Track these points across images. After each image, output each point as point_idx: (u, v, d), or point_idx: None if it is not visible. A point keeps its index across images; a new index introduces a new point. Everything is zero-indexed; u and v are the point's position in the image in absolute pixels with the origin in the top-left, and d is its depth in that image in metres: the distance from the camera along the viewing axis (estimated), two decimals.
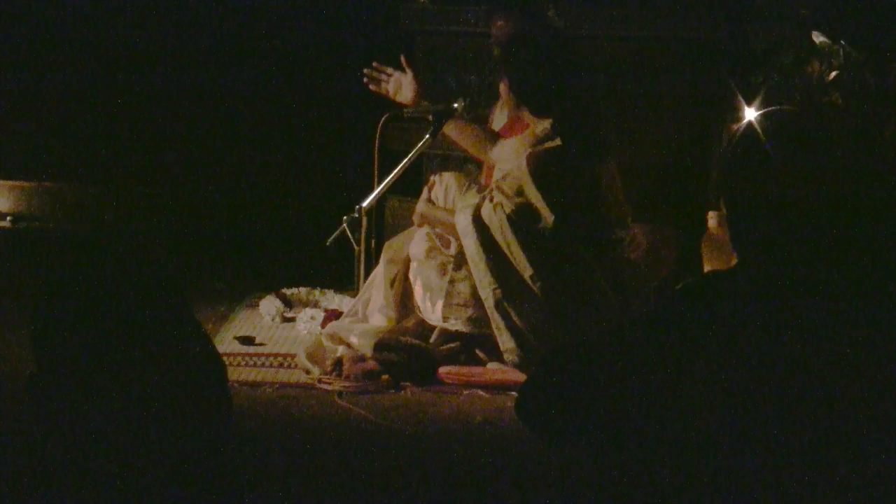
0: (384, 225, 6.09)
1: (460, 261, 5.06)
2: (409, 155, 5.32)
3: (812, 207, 1.90)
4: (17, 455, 1.68)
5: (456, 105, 5.32)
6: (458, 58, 6.38)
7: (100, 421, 1.60)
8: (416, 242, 5.21)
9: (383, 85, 5.42)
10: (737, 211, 1.98)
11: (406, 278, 5.21)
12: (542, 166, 4.96)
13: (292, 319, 5.71)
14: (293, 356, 5.19)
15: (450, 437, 4.44)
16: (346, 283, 5.67)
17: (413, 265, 5.20)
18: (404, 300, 5.21)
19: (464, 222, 5.00)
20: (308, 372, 5.02)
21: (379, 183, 5.31)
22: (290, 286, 5.98)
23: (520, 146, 5.08)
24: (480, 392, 4.88)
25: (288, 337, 5.53)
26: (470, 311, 5.05)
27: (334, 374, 4.95)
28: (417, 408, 4.74)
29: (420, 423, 4.59)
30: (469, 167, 5.79)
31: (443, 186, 5.30)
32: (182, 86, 7.56)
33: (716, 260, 5.42)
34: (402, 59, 5.43)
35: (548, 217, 4.93)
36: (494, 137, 5.31)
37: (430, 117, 5.32)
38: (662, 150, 6.12)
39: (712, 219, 5.62)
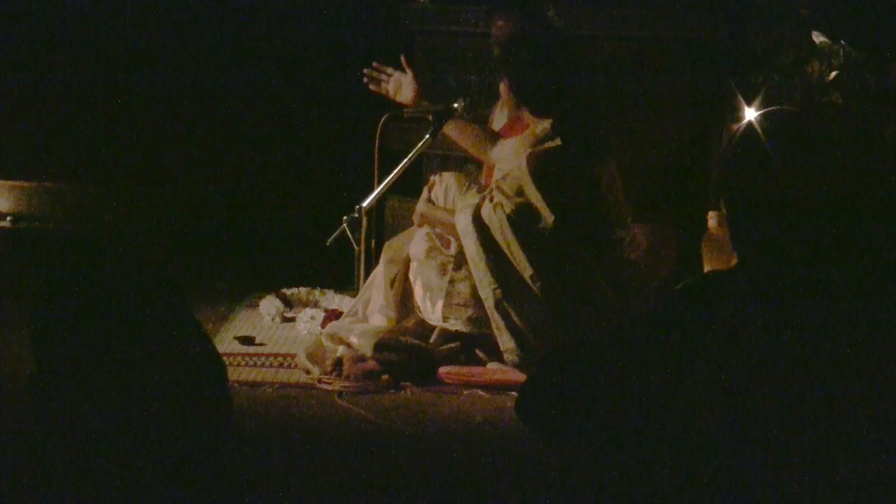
0: (384, 225, 6.09)
1: (460, 261, 5.06)
2: (409, 155, 5.32)
3: (812, 207, 1.90)
4: (17, 455, 1.68)
5: (456, 105, 5.32)
6: (458, 58, 6.37)
7: (100, 421, 1.60)
8: (416, 242, 5.21)
9: (383, 85, 5.42)
10: (737, 211, 1.98)
11: (406, 278, 5.21)
12: (542, 166, 4.96)
13: (292, 319, 5.70)
14: (293, 356, 5.18)
15: (450, 437, 4.44)
16: (346, 283, 5.67)
17: (413, 265, 5.19)
18: (404, 300, 5.21)
19: (464, 222, 5.00)
20: (308, 372, 5.01)
21: (379, 183, 5.31)
22: (290, 286, 5.97)
23: (520, 146, 5.08)
24: (480, 392, 4.88)
25: (288, 337, 5.52)
26: (470, 311, 5.05)
27: (334, 374, 4.95)
28: (417, 408, 4.74)
29: (420, 423, 4.58)
30: (469, 167, 5.79)
31: (443, 186, 5.30)
32: (182, 86, 7.56)
33: (716, 260, 5.42)
34: (402, 59, 5.43)
35: (548, 217, 4.93)
36: (494, 137, 5.31)
37: (430, 117, 5.32)
38: (662, 150, 6.12)
39: (712, 219, 5.62)
